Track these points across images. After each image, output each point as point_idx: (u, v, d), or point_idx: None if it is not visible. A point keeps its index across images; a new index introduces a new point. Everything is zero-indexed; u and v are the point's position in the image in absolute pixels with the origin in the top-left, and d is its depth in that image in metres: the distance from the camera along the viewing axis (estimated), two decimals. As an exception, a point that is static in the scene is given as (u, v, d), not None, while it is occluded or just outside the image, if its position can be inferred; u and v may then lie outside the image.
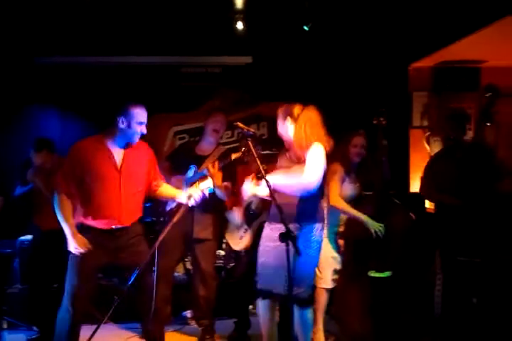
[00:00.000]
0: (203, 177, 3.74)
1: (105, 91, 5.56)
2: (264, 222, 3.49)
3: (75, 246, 3.16)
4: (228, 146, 5.76)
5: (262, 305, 3.37)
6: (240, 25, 5.14)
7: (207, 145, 4.16)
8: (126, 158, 3.30)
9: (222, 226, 4.20)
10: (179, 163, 4.10)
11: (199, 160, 4.06)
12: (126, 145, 3.30)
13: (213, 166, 3.79)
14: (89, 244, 3.19)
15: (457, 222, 3.88)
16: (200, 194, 3.30)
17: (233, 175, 4.04)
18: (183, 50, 5.66)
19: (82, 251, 3.17)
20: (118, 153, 3.29)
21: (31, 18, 4.97)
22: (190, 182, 3.92)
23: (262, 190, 3.25)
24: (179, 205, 3.67)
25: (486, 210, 3.83)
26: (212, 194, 3.91)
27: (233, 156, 3.83)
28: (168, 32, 5.33)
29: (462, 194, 3.89)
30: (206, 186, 3.34)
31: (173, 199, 3.60)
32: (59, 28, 5.14)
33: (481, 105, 4.25)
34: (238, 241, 4.09)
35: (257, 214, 3.94)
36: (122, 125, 3.23)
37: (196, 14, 5.10)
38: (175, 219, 3.11)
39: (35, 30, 5.14)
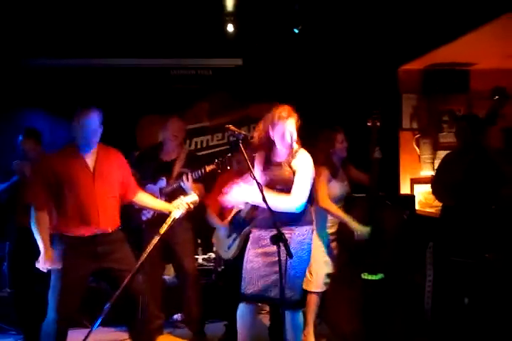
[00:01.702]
0: (179, 192, 3.77)
1: (94, 93, 5.53)
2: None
3: (43, 262, 3.17)
4: (218, 149, 5.81)
5: (245, 310, 3.34)
6: (230, 28, 5.13)
7: (170, 150, 4.18)
8: (98, 162, 3.30)
9: (199, 225, 4.25)
10: (145, 171, 4.12)
11: (166, 167, 4.10)
12: (89, 148, 3.29)
13: (187, 179, 3.82)
14: (56, 261, 3.19)
15: (459, 222, 3.88)
16: (186, 207, 3.26)
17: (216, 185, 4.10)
18: (173, 52, 5.64)
19: (47, 268, 3.18)
20: (90, 159, 3.30)
21: (19, 20, 4.93)
22: (166, 194, 3.99)
23: (253, 196, 3.15)
24: (156, 215, 3.79)
25: (487, 213, 3.83)
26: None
27: (208, 168, 3.85)
28: (158, 34, 5.31)
29: (467, 196, 3.89)
30: (192, 200, 3.29)
31: (156, 211, 3.61)
32: (47, 30, 5.10)
33: (478, 108, 4.25)
34: (226, 250, 4.09)
35: (247, 222, 3.93)
36: (73, 132, 3.27)
37: (186, 16, 5.08)
38: (162, 231, 3.03)
39: (22, 32, 5.10)
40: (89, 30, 5.14)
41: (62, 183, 3.20)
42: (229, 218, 4.05)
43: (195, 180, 3.91)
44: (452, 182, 3.93)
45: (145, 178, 4.09)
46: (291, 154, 3.27)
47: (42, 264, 3.18)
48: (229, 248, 4.04)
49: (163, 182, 4.06)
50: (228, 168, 3.91)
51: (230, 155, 3.94)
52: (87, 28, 5.11)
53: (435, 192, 4.23)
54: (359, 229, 3.65)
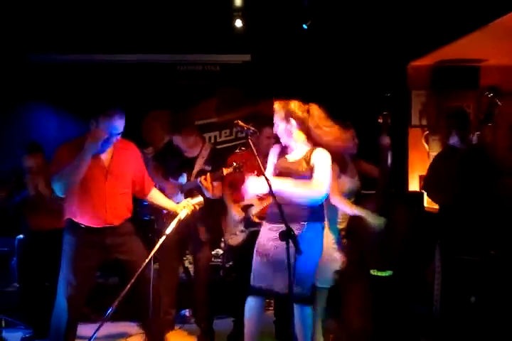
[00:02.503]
0: (196, 190, 3.84)
1: (100, 89, 5.54)
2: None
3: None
4: (226, 145, 5.81)
5: (253, 304, 3.33)
6: (238, 23, 5.13)
7: (192, 145, 4.15)
8: (114, 158, 3.28)
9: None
10: (168, 165, 4.15)
11: (188, 163, 4.10)
12: (106, 148, 3.24)
13: (205, 179, 3.83)
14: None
15: (459, 221, 3.88)
16: (192, 209, 3.32)
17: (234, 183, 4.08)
18: (180, 48, 5.64)
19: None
20: (105, 155, 3.27)
21: (22, 16, 4.94)
22: (185, 190, 4.00)
23: (263, 187, 3.13)
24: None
25: (487, 209, 3.82)
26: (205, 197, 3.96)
27: (225, 172, 3.86)
28: (166, 30, 5.31)
29: (461, 193, 3.88)
30: (198, 202, 3.36)
31: (163, 209, 3.63)
32: (52, 26, 5.11)
33: (483, 106, 4.24)
34: (232, 235, 4.11)
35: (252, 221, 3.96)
36: (92, 126, 3.19)
37: (194, 12, 5.08)
38: (168, 231, 3.04)
39: (26, 27, 5.10)
40: (95, 25, 5.16)
41: None
42: (241, 206, 4.06)
43: (211, 182, 3.90)
44: (445, 182, 3.92)
45: (168, 172, 4.13)
46: (310, 151, 3.25)
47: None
48: (235, 235, 4.07)
49: (183, 179, 4.06)
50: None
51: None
52: (94, 23, 5.12)
53: (429, 192, 4.22)
54: (375, 221, 3.62)
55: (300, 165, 3.23)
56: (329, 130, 3.25)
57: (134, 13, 5.06)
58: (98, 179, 3.23)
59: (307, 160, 3.22)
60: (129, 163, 3.36)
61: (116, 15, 5.05)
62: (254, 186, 3.18)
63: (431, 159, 5.72)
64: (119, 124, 3.18)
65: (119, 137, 3.25)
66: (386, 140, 3.80)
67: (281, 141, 3.37)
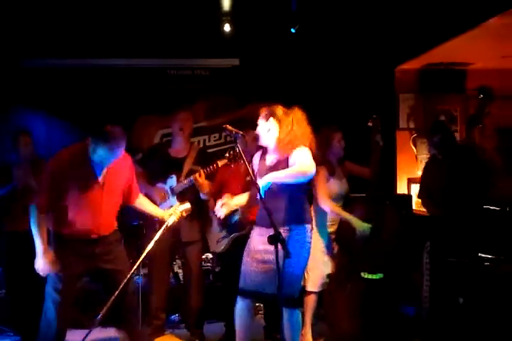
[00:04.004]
0: (189, 192, 3.80)
1: (91, 93, 5.53)
2: (246, 234, 3.51)
3: (42, 264, 3.08)
4: (216, 149, 5.81)
5: (243, 306, 3.34)
6: (227, 28, 5.14)
7: (179, 146, 4.13)
8: (108, 172, 3.20)
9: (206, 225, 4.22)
10: (154, 169, 4.06)
11: (176, 164, 4.03)
12: (104, 166, 3.15)
13: (200, 175, 3.78)
14: (57, 263, 3.12)
15: (449, 223, 3.90)
16: (179, 216, 3.29)
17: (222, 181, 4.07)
18: (169, 53, 5.64)
19: (46, 272, 3.10)
20: (99, 167, 3.17)
21: (17, 21, 4.93)
22: (177, 192, 3.95)
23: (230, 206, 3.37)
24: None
25: (477, 212, 3.85)
26: (196, 197, 3.93)
27: (220, 163, 3.81)
28: (155, 34, 5.31)
29: (453, 198, 3.90)
30: (185, 209, 3.33)
31: (151, 216, 3.58)
32: (45, 31, 5.10)
33: (473, 107, 4.27)
34: (216, 243, 4.09)
35: (239, 225, 3.93)
36: (91, 148, 3.05)
37: (183, 16, 5.08)
38: (156, 237, 3.03)
39: (20, 32, 5.09)
40: (86, 30, 5.15)
41: (67, 189, 3.11)
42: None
43: (206, 177, 3.86)
44: (437, 190, 3.94)
45: (154, 176, 4.04)
46: (288, 152, 3.24)
47: (42, 267, 3.09)
48: (217, 243, 4.05)
49: (173, 181, 3.98)
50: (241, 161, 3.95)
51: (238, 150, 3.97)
52: (85, 28, 5.11)
53: (424, 204, 4.24)
54: (361, 226, 3.64)
55: (279, 167, 3.23)
56: (302, 131, 3.27)
57: (124, 18, 5.05)
58: (94, 197, 3.16)
59: (286, 162, 3.22)
60: (122, 174, 3.31)
61: (106, 20, 5.04)
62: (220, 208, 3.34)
63: (419, 162, 5.80)
64: (119, 152, 3.08)
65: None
66: (379, 138, 3.84)
67: (260, 141, 3.36)
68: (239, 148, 3.03)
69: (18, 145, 4.28)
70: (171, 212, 3.29)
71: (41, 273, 3.13)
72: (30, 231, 3.30)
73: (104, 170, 3.19)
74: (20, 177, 4.14)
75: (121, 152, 3.12)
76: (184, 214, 3.34)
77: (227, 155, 3.72)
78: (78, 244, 3.19)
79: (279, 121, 3.27)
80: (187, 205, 3.35)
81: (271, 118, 3.28)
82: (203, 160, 4.02)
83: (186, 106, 5.68)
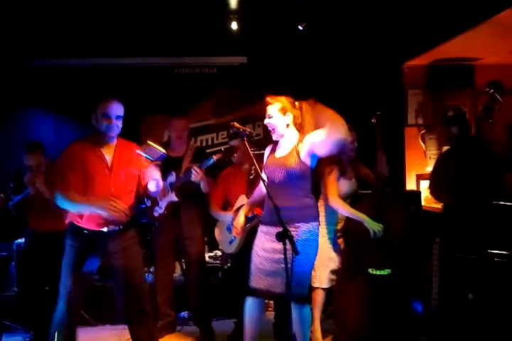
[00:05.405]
0: (191, 183, 3.86)
1: (98, 93, 5.54)
2: (256, 226, 3.50)
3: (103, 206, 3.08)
4: (223, 147, 5.81)
5: (252, 304, 3.33)
6: (234, 26, 5.14)
7: (177, 147, 4.20)
8: (116, 158, 3.27)
9: (206, 219, 4.26)
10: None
11: (175, 162, 4.10)
12: (108, 141, 3.26)
13: (197, 172, 3.82)
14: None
15: (461, 219, 3.88)
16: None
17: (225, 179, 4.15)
18: (177, 51, 5.65)
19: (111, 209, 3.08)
20: (108, 153, 3.26)
21: (22, 21, 4.95)
22: (176, 188, 4.00)
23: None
24: (167, 210, 3.97)
25: (489, 207, 3.83)
26: (195, 190, 3.99)
27: (215, 157, 3.83)
28: (162, 32, 5.32)
29: (466, 189, 3.88)
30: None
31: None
32: (50, 30, 5.12)
33: (482, 103, 4.25)
34: (228, 245, 4.09)
35: (249, 219, 3.94)
36: (94, 122, 3.24)
37: (190, 14, 5.08)
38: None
39: (25, 32, 5.12)
40: (92, 29, 5.17)
41: (79, 177, 3.17)
42: (234, 209, 4.04)
43: (205, 172, 3.89)
44: (450, 181, 3.92)
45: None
46: (297, 143, 3.24)
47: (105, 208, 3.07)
48: (230, 243, 4.04)
49: (172, 177, 4.03)
50: (235, 155, 4.06)
51: (233, 144, 4.07)
52: (91, 27, 5.13)
53: (434, 192, 4.23)
54: (374, 226, 3.60)
55: (289, 159, 3.22)
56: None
57: (131, 17, 5.06)
58: (102, 178, 3.21)
59: (297, 152, 3.21)
60: (130, 161, 3.33)
61: (113, 19, 5.05)
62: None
63: (427, 158, 5.78)
64: (118, 108, 3.22)
65: (117, 133, 3.26)
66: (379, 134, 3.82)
67: (272, 134, 3.33)
68: (246, 144, 3.09)
69: (29, 163, 4.24)
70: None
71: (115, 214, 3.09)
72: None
73: (112, 155, 3.26)
74: (32, 185, 4.16)
75: (120, 109, 3.23)
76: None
77: (222, 149, 3.81)
78: (93, 238, 3.21)
79: (295, 114, 3.27)
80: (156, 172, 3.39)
81: (288, 112, 3.27)
82: (200, 159, 4.06)
83: (193, 105, 5.77)
